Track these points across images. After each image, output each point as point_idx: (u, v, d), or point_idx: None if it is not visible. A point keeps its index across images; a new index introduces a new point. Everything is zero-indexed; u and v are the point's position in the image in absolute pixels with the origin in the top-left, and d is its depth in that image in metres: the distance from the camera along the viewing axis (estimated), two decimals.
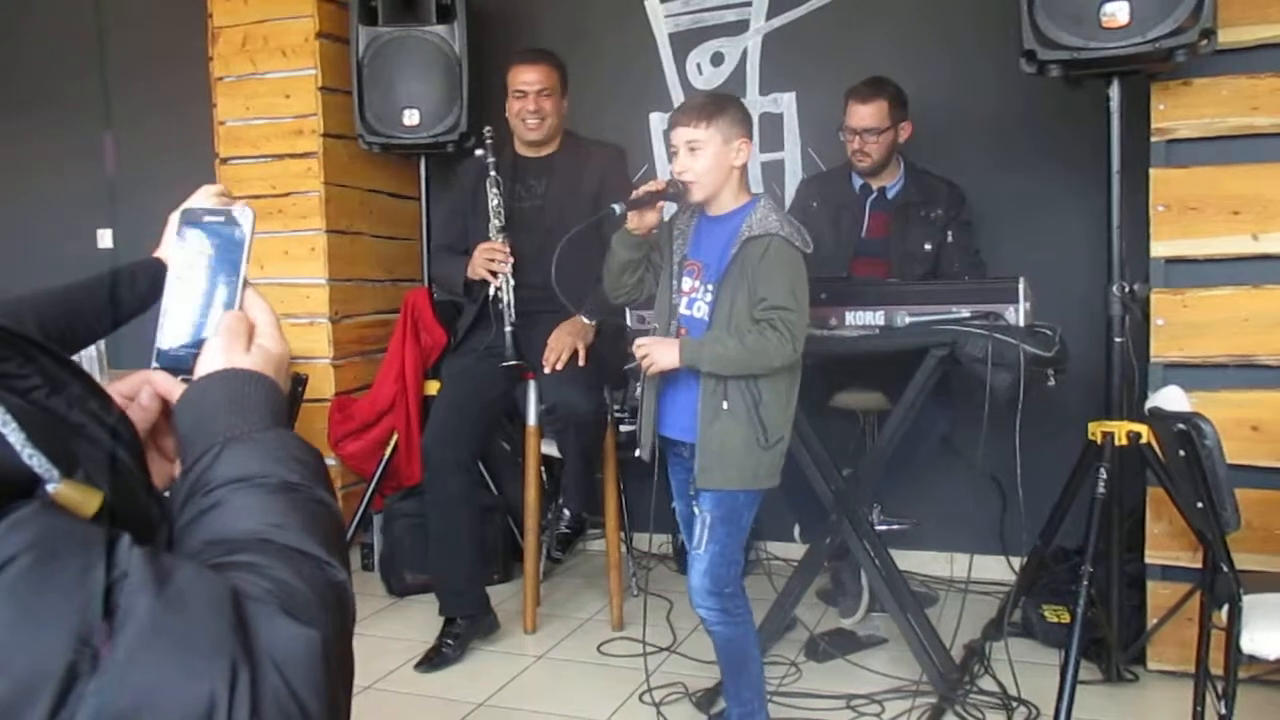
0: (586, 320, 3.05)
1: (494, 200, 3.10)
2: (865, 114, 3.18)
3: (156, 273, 1.59)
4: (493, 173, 3.10)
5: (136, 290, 1.57)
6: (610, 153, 3.27)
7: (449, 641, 3.03)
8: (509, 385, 3.19)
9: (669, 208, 2.39)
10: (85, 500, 0.58)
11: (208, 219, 0.84)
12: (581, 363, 3.01)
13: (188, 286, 0.83)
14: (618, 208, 2.29)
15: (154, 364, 0.82)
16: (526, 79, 3.16)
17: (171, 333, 0.83)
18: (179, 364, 0.81)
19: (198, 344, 0.80)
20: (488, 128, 3.16)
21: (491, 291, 3.12)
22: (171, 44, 4.24)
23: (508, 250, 3.07)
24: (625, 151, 3.34)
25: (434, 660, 2.99)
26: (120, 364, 3.44)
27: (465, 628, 3.07)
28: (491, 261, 3.08)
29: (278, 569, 0.62)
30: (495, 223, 3.10)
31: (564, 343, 3.00)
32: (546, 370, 3.01)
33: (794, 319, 2.15)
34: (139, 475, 0.70)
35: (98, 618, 0.51)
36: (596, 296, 2.91)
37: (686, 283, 2.30)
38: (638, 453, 2.41)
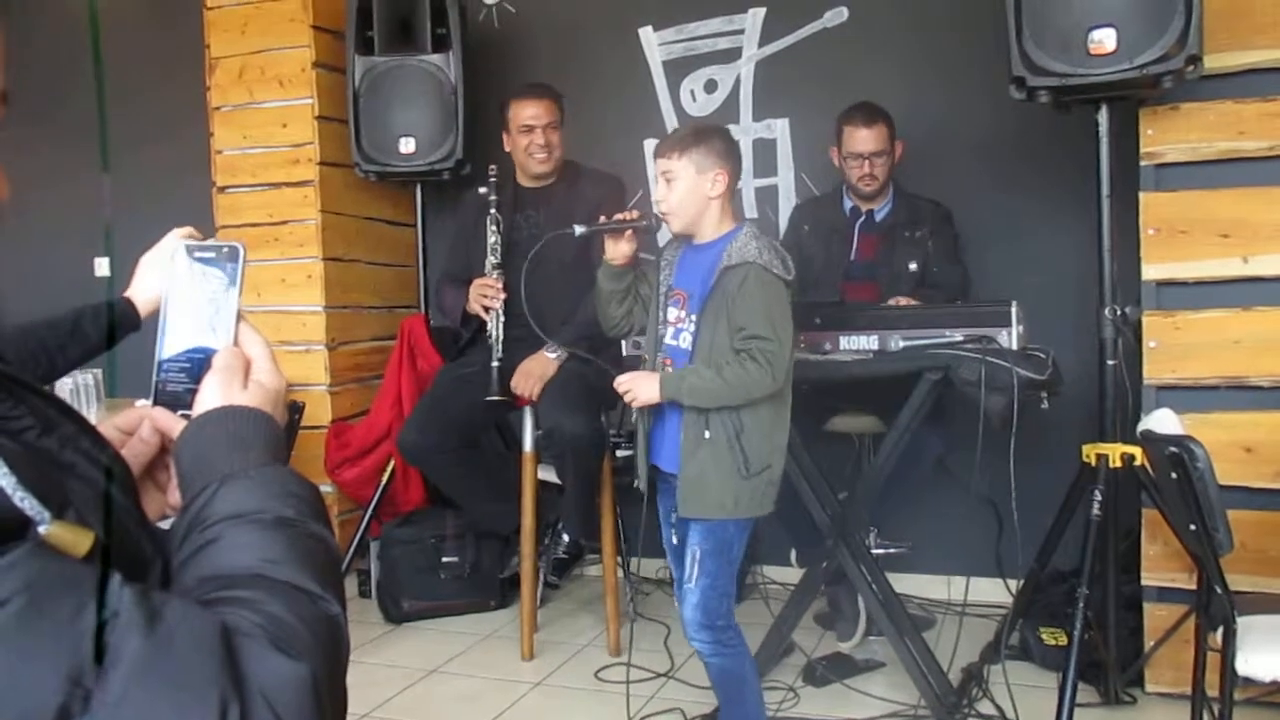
0: (549, 355, 3.08)
1: (492, 238, 3.17)
2: (870, 138, 3.22)
3: (122, 312, 1.61)
4: (493, 210, 3.16)
5: (99, 328, 1.57)
6: (606, 182, 3.28)
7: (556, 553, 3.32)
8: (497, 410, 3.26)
9: (662, 236, 2.41)
10: (77, 540, 0.58)
11: (200, 253, 0.86)
12: (534, 396, 3.07)
13: (183, 317, 0.84)
14: (578, 229, 2.34)
15: (155, 375, 0.83)
16: (533, 113, 3.21)
17: (171, 349, 0.84)
18: (177, 400, 0.82)
19: (196, 381, 0.81)
20: (493, 166, 3.20)
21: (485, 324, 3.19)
22: (169, 74, 4.27)
23: (500, 286, 3.13)
24: (623, 181, 3.34)
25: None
26: (116, 393, 3.45)
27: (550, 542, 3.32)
28: (484, 297, 3.14)
29: (271, 604, 0.62)
30: (491, 259, 3.16)
31: (526, 385, 3.07)
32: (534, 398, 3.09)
33: (773, 348, 2.13)
34: (132, 512, 0.71)
35: (89, 658, 0.52)
36: (572, 327, 2.98)
37: (672, 313, 2.31)
38: (635, 482, 2.42)
